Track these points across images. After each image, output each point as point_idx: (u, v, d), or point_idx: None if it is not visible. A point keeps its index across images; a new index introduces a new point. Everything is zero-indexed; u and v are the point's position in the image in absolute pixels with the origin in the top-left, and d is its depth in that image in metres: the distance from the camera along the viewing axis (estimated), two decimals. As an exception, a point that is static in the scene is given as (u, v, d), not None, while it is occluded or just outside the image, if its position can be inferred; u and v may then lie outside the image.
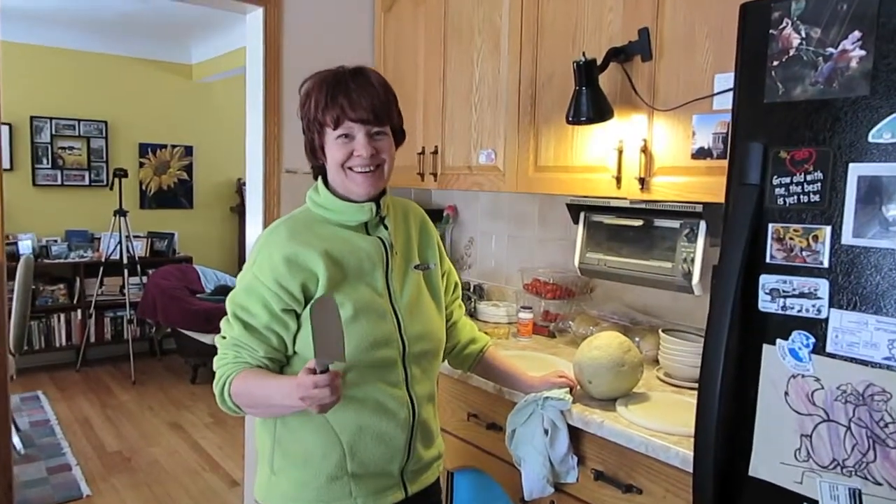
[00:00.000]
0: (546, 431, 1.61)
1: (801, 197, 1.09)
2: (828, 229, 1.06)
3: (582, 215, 2.17)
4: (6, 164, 5.12)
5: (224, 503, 3.18)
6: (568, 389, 1.63)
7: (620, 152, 1.84)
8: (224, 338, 1.30)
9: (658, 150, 1.77)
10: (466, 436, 2.00)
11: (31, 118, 5.22)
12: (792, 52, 1.09)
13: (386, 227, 1.39)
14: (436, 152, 2.54)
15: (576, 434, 1.63)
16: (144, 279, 5.22)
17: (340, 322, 1.17)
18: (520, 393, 1.68)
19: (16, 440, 3.67)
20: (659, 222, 1.94)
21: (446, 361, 1.66)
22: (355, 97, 1.28)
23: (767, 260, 1.13)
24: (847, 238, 1.04)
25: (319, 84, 1.32)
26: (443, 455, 1.52)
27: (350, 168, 1.31)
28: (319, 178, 1.40)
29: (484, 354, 1.64)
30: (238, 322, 1.28)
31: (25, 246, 5.02)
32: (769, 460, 1.12)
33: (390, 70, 2.81)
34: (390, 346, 1.32)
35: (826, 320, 1.06)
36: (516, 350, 2.18)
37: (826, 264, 1.06)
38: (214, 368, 1.30)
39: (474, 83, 2.37)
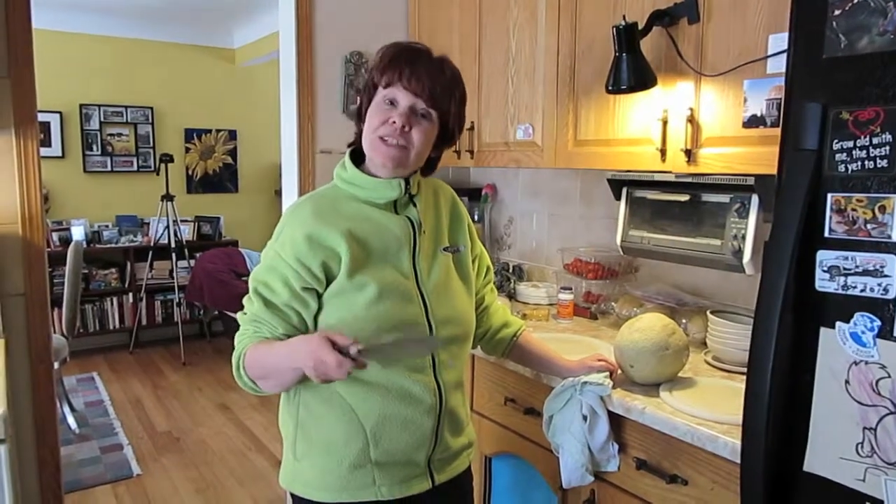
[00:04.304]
0: (585, 418, 1.54)
1: (866, 163, 0.97)
2: (897, 199, 0.94)
3: (624, 191, 2.06)
4: (58, 153, 5.27)
5: (268, 484, 3.21)
6: (608, 374, 1.55)
7: (665, 123, 1.73)
8: (245, 314, 1.27)
9: (706, 120, 1.65)
10: (503, 421, 1.94)
11: (81, 106, 5.34)
12: None
13: (415, 205, 1.33)
14: (472, 128, 2.45)
15: (617, 421, 1.55)
16: (192, 262, 5.31)
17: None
18: (557, 377, 1.61)
19: (71, 420, 3.79)
20: (707, 197, 1.82)
21: (479, 347, 1.60)
22: (421, 70, 1.23)
23: (826, 234, 1.01)
24: (919, 208, 0.92)
25: (393, 47, 1.28)
26: (474, 443, 1.47)
27: (381, 138, 1.25)
28: (348, 154, 1.34)
29: (518, 339, 1.57)
30: (259, 298, 1.24)
31: (78, 232, 5.16)
32: (827, 455, 1.02)
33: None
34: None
35: (894, 301, 0.95)
36: (556, 332, 2.09)
37: (895, 238, 0.95)
38: (235, 343, 1.27)
39: (510, 55, 2.27)
